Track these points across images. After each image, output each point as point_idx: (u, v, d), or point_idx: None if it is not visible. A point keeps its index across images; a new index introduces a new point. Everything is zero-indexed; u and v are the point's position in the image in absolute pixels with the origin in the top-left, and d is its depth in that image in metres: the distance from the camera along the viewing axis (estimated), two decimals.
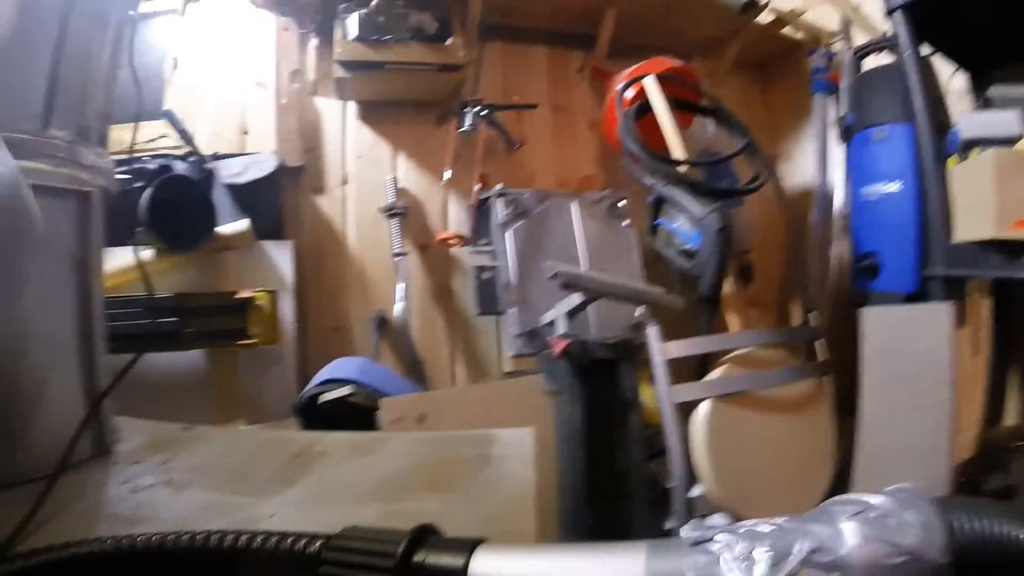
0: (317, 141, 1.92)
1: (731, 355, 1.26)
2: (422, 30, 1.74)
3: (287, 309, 1.69)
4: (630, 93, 1.71)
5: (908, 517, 0.26)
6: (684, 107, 1.77)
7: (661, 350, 1.14)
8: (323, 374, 1.45)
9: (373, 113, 1.95)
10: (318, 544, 0.35)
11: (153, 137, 1.75)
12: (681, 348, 1.18)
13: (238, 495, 0.60)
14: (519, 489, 0.52)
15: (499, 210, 1.63)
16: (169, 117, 1.64)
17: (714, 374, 1.22)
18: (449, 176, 1.88)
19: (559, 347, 1.10)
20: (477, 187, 1.79)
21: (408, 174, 1.95)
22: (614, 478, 1.02)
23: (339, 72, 1.73)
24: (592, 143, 2.11)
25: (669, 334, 1.18)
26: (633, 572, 0.27)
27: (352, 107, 1.96)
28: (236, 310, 1.57)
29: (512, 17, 2.03)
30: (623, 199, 1.77)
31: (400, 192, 1.89)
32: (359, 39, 1.69)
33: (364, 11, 1.69)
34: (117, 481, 0.63)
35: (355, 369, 1.41)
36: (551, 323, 1.25)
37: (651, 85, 1.70)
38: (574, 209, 1.70)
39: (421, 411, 1.10)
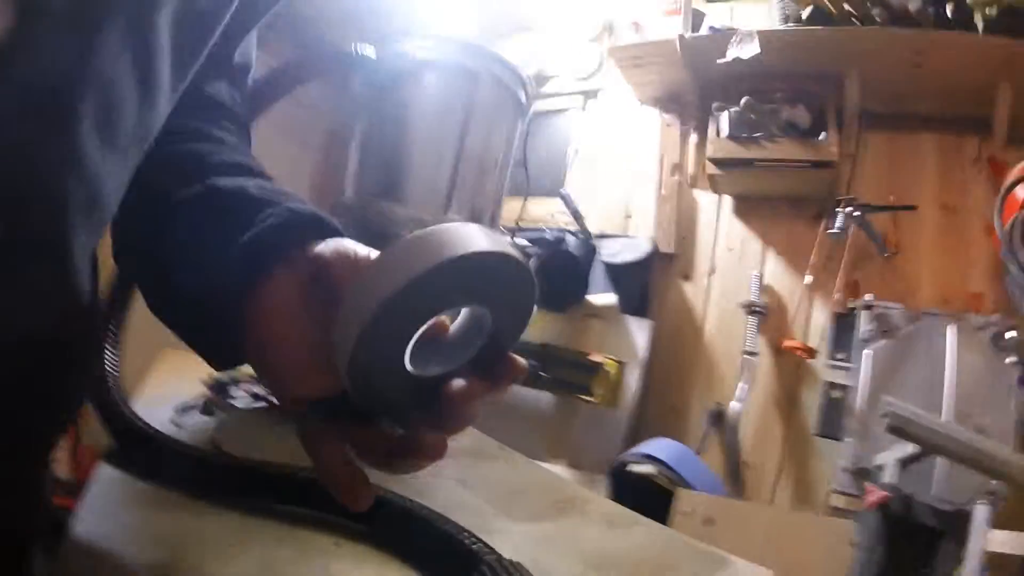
0: (691, 231, 2.06)
1: None
2: (795, 125, 1.73)
3: (632, 380, 1.86)
4: (1021, 193, 1.33)
5: None
6: None
7: (984, 536, 0.86)
8: (644, 446, 1.55)
9: (746, 208, 1.99)
10: (485, 556, 0.45)
11: (556, 212, 2.19)
12: (1013, 542, 0.86)
13: (491, 507, 0.75)
14: None
15: (862, 324, 1.46)
16: (563, 198, 2.02)
17: None
18: (810, 280, 1.76)
19: (872, 498, 0.95)
20: (838, 295, 1.64)
21: (774, 272, 1.91)
22: None
23: (711, 169, 1.84)
24: (987, 253, 1.67)
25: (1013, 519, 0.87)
26: None
27: (727, 201, 2.03)
28: (586, 369, 1.81)
29: (896, 103, 1.80)
30: (1013, 329, 1.36)
31: (764, 289, 1.86)
32: (730, 137, 1.77)
33: (735, 109, 1.77)
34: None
35: (673, 453, 1.46)
36: (881, 466, 1.07)
37: None
38: (950, 334, 1.39)
39: (711, 514, 1.09)
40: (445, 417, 0.29)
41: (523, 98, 1.10)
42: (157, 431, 0.58)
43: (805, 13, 1.73)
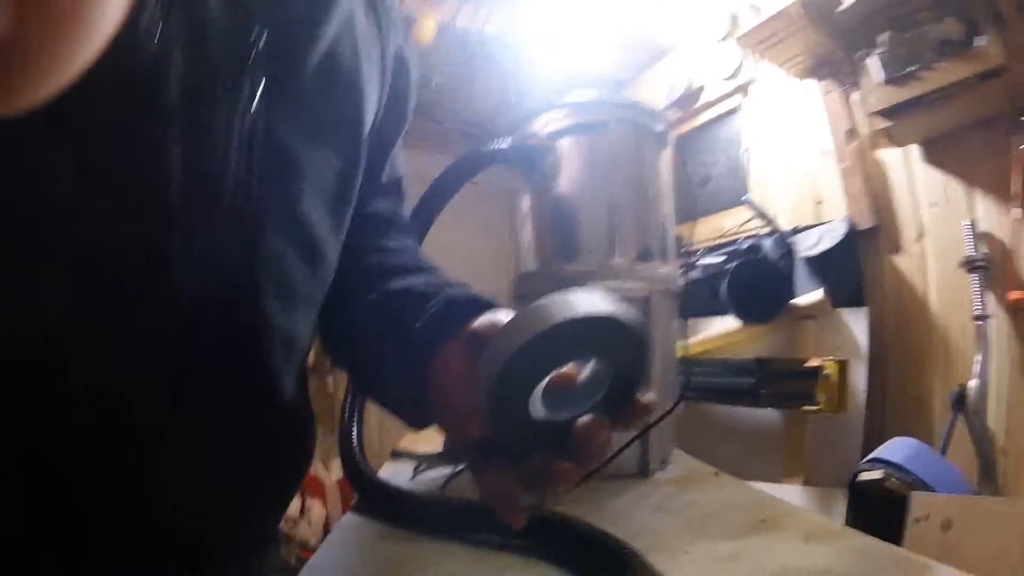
0: (886, 196, 1.82)
1: None
2: (950, 41, 1.45)
3: (859, 378, 1.69)
4: None
5: None
6: None
7: None
8: (878, 450, 1.41)
9: (937, 151, 1.70)
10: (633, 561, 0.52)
11: (746, 220, 2.11)
12: None
13: (683, 530, 0.77)
14: None
15: None
16: (747, 203, 1.94)
17: None
18: (1019, 213, 1.45)
19: None
20: None
21: (990, 215, 1.59)
22: None
23: (879, 122, 1.63)
24: None
25: None
26: None
27: (915, 150, 1.75)
28: (805, 376, 1.70)
29: None
30: None
31: (982, 238, 1.57)
32: (887, 81, 1.56)
33: (880, 50, 1.55)
34: (627, 496, 0.92)
35: (906, 452, 1.31)
36: None
37: None
38: None
39: (949, 516, 0.96)
40: (576, 452, 0.35)
41: (657, 127, 1.13)
42: (388, 483, 0.77)
43: None
